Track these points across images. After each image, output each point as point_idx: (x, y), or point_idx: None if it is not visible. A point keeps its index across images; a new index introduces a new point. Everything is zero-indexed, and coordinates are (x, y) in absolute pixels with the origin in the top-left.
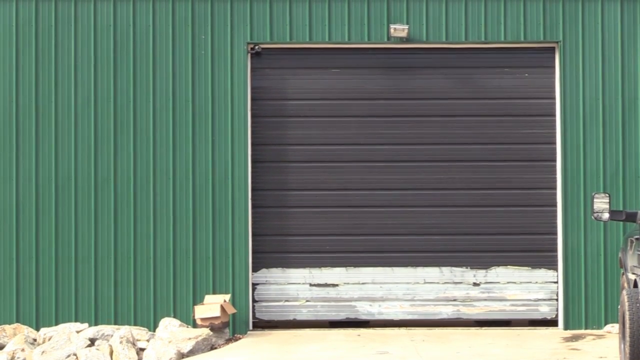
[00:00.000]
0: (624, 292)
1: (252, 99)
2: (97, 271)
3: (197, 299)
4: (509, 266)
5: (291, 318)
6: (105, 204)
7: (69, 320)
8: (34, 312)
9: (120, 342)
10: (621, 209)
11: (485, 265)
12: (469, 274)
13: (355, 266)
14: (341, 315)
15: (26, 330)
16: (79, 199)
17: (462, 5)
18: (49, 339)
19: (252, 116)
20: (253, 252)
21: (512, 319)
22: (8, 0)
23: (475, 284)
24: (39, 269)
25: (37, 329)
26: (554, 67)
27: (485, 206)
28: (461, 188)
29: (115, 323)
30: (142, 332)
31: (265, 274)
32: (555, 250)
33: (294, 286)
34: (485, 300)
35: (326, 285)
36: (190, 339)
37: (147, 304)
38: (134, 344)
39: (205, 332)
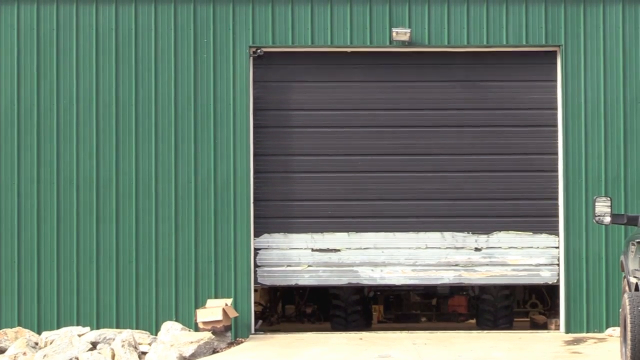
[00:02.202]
0: (626, 295)
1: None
2: (99, 275)
3: (199, 303)
4: (510, 231)
5: (293, 283)
6: (107, 208)
7: (71, 324)
8: (36, 315)
9: (122, 346)
10: (623, 212)
11: (487, 230)
12: (471, 239)
13: (357, 231)
14: (343, 281)
15: (28, 334)
16: (80, 203)
17: (464, 10)
18: (51, 343)
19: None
20: (255, 217)
21: (514, 283)
22: (10, 3)
23: (476, 249)
24: (41, 272)
25: (39, 333)
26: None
27: (487, 171)
28: (463, 154)
29: (117, 327)
30: (144, 335)
31: (267, 239)
32: (557, 216)
33: (296, 251)
34: (486, 265)
35: (328, 250)
36: (192, 342)
37: (149, 307)
38: (135, 348)
39: (207, 335)
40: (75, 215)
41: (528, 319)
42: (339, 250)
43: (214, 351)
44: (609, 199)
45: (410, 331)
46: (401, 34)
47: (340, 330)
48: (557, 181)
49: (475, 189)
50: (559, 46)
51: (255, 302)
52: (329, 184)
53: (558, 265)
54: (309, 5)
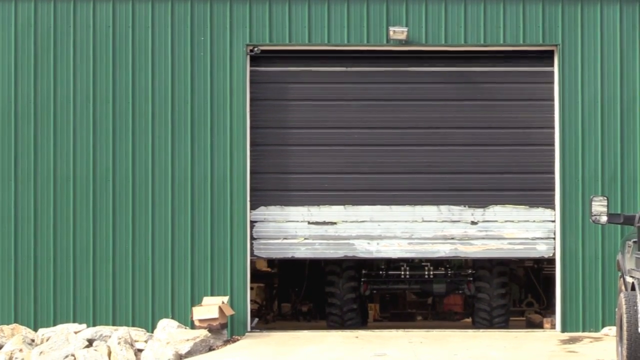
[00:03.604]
0: (622, 295)
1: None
2: (96, 272)
3: (196, 301)
4: (506, 205)
5: (289, 256)
6: (104, 205)
7: (67, 321)
8: (32, 312)
9: (119, 343)
10: (619, 212)
11: (483, 204)
12: (467, 213)
13: (353, 204)
14: (339, 254)
15: (24, 331)
16: (77, 200)
17: (461, 8)
18: (47, 340)
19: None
20: (251, 190)
21: (510, 257)
22: (7, 1)
23: (473, 223)
24: (38, 269)
25: (35, 330)
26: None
27: (484, 145)
28: (460, 127)
29: (114, 324)
30: (140, 333)
31: (263, 212)
32: (553, 189)
33: (292, 224)
34: (483, 238)
35: (325, 223)
36: (188, 340)
37: (145, 305)
38: (132, 345)
39: (203, 333)
40: (71, 212)
41: (524, 318)
42: (335, 223)
43: (210, 349)
44: (605, 198)
45: (406, 330)
46: (398, 32)
47: (336, 328)
48: (553, 155)
49: (471, 162)
50: (556, 45)
51: (251, 300)
52: (325, 156)
53: (554, 239)
54: (306, 3)
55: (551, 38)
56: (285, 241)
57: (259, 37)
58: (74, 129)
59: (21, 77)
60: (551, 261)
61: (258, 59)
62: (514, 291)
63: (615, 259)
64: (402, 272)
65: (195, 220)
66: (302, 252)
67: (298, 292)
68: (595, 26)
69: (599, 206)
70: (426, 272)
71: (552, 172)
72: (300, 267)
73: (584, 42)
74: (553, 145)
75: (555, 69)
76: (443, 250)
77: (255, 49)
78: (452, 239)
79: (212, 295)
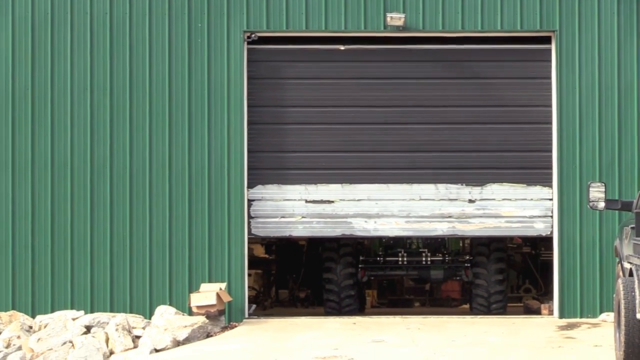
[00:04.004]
0: (620, 281)
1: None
2: (93, 259)
3: (193, 287)
4: (504, 183)
5: (287, 234)
6: (102, 192)
7: (65, 308)
8: (30, 299)
9: (116, 330)
10: (617, 198)
11: (481, 182)
12: (465, 191)
13: (350, 183)
14: (337, 232)
15: (22, 318)
16: (75, 187)
17: None
18: (45, 326)
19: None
20: (249, 169)
21: (507, 235)
22: None
23: (470, 201)
24: (35, 256)
25: (33, 316)
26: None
27: (481, 123)
28: (458, 105)
29: (111, 310)
30: (137, 319)
31: (260, 190)
32: (550, 168)
33: (289, 202)
34: (480, 217)
35: (322, 201)
36: (186, 326)
37: (142, 291)
38: (129, 332)
39: (201, 320)
40: (69, 200)
41: (521, 304)
42: (332, 201)
43: (208, 335)
44: (603, 184)
45: (403, 316)
46: (395, 19)
47: (334, 315)
48: (551, 133)
49: (469, 140)
50: (553, 31)
51: (249, 287)
52: (323, 135)
53: (552, 217)
54: None
55: (548, 24)
56: (282, 220)
57: (256, 23)
58: (71, 117)
59: (18, 65)
60: (549, 247)
61: (255, 43)
62: (512, 277)
63: (613, 245)
64: (400, 259)
65: (192, 204)
66: (299, 231)
67: (295, 279)
68: (592, 12)
69: (596, 192)
70: (424, 259)
71: (550, 151)
72: (298, 253)
73: (581, 29)
74: (550, 123)
75: (553, 55)
76: (440, 228)
77: (253, 35)
78: (450, 217)
79: (209, 281)
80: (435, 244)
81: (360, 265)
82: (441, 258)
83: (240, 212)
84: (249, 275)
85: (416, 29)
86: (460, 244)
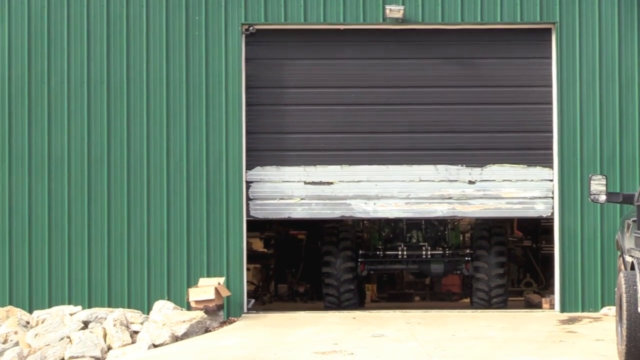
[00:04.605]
0: (621, 274)
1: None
2: (91, 254)
3: (192, 282)
4: (504, 164)
5: (286, 216)
6: (99, 185)
7: (62, 303)
8: (27, 294)
9: (114, 325)
10: (618, 191)
11: (481, 163)
12: (465, 172)
13: (350, 164)
14: (336, 214)
15: (19, 313)
16: (72, 181)
17: None
18: (42, 322)
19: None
20: (247, 150)
21: (508, 216)
22: None
23: (470, 182)
24: (32, 251)
25: (30, 312)
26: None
27: (481, 104)
28: (457, 86)
29: (109, 306)
30: (135, 314)
31: (259, 172)
32: (551, 148)
33: (288, 184)
34: (480, 198)
35: (321, 183)
36: (184, 321)
37: (141, 286)
38: (127, 327)
39: (199, 315)
40: (66, 193)
41: (522, 299)
42: (332, 183)
43: (206, 330)
44: (604, 177)
45: (403, 310)
46: (394, 11)
47: (333, 309)
48: (551, 113)
49: (469, 121)
50: (553, 23)
51: (247, 281)
52: (322, 116)
53: (552, 198)
54: None
55: (549, 16)
56: (281, 201)
57: (254, 16)
58: (68, 110)
59: (15, 57)
60: (550, 240)
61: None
62: (513, 271)
63: (615, 238)
64: (400, 253)
65: (190, 191)
66: (298, 213)
67: (295, 273)
68: (592, 3)
69: (597, 185)
70: (424, 252)
71: (550, 131)
72: (297, 247)
73: (582, 20)
74: (551, 103)
75: (553, 47)
76: (440, 210)
77: (251, 28)
78: (450, 198)
79: (208, 276)
80: (436, 237)
81: (359, 259)
82: (441, 252)
83: (238, 194)
84: (248, 269)
85: (415, 21)
86: (461, 238)
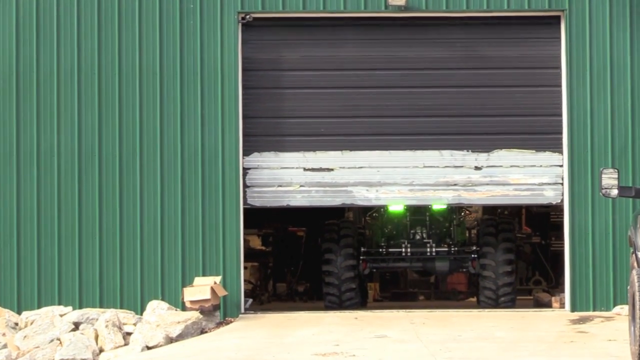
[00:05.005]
0: (634, 272)
1: None
2: (82, 252)
3: (187, 281)
4: (512, 149)
5: (284, 204)
6: (90, 180)
7: (52, 304)
8: (15, 294)
9: (106, 326)
10: (631, 184)
11: (487, 148)
12: (471, 158)
13: (351, 149)
14: (337, 201)
15: (7, 314)
16: (61, 175)
17: None
18: (31, 323)
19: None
20: (244, 135)
21: (516, 203)
22: None
23: (476, 168)
24: (21, 249)
25: (19, 313)
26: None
27: (488, 86)
28: (463, 68)
29: (101, 306)
30: (128, 315)
31: (257, 158)
32: (561, 132)
33: (287, 171)
34: (487, 184)
35: (321, 169)
36: (179, 322)
37: (134, 286)
38: (120, 328)
39: (195, 315)
40: (56, 188)
41: (531, 297)
42: (332, 169)
43: (202, 331)
44: (616, 170)
45: (407, 310)
46: None
47: (334, 309)
48: (560, 96)
49: (475, 104)
50: (562, 10)
51: (245, 280)
52: (321, 99)
53: (562, 184)
54: None
55: (557, 3)
56: (280, 189)
57: (250, 4)
58: (57, 102)
59: (2, 47)
60: (560, 237)
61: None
62: (521, 269)
63: (627, 234)
64: (403, 250)
65: (185, 194)
66: (297, 200)
67: (294, 272)
68: None
69: (609, 179)
70: (428, 250)
71: (560, 115)
72: (296, 244)
73: (592, 7)
74: (560, 86)
75: (562, 35)
76: (445, 197)
77: (247, 16)
78: (455, 185)
79: (204, 275)
80: (441, 233)
81: (361, 257)
82: (446, 249)
83: (235, 181)
84: (245, 268)
85: (419, 9)
86: (467, 234)
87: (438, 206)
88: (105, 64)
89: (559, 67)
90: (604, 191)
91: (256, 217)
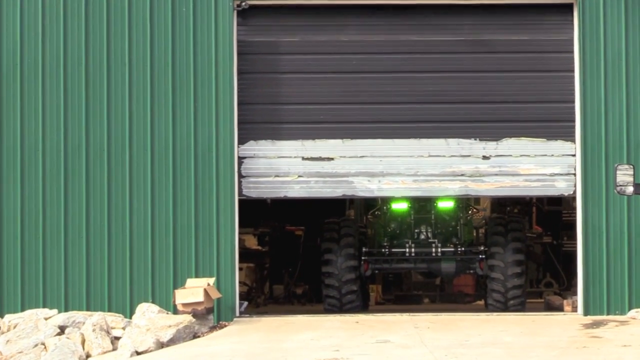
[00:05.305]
0: None
1: None
2: (68, 252)
3: (178, 283)
4: (522, 137)
5: (282, 195)
6: (77, 177)
7: (36, 306)
8: None
9: (93, 330)
10: None
11: (496, 136)
12: (478, 146)
13: (352, 138)
14: (337, 192)
15: None
16: (47, 172)
17: None
18: (15, 327)
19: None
20: (239, 123)
21: (526, 195)
22: None
23: (484, 158)
24: (3, 249)
25: (2, 316)
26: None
27: (497, 71)
28: (471, 52)
29: (88, 309)
30: (117, 319)
31: (253, 147)
32: (573, 120)
33: (285, 160)
34: (495, 175)
35: (320, 158)
36: (170, 326)
37: (122, 287)
38: (108, 332)
39: (187, 319)
40: (40, 185)
41: (542, 300)
42: (332, 158)
43: (195, 336)
44: (631, 166)
45: (411, 313)
46: None
47: (334, 312)
48: (573, 82)
49: (483, 90)
50: None
51: (240, 282)
52: (321, 85)
53: (575, 175)
54: None
55: None
56: (277, 179)
57: None
58: (42, 94)
59: None
60: (572, 236)
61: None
62: (531, 270)
63: None
64: (407, 250)
65: (177, 191)
66: (295, 191)
67: (292, 273)
68: None
69: (624, 175)
70: (433, 250)
71: (572, 101)
72: (294, 244)
73: None
74: (573, 71)
75: (575, 21)
76: (452, 188)
77: (243, 4)
78: (462, 175)
79: (196, 276)
80: (446, 233)
81: (363, 258)
82: (453, 249)
83: (230, 171)
84: (240, 269)
85: None
86: (474, 234)
87: (444, 204)
88: (93, 54)
89: (572, 51)
90: (618, 188)
91: (252, 216)
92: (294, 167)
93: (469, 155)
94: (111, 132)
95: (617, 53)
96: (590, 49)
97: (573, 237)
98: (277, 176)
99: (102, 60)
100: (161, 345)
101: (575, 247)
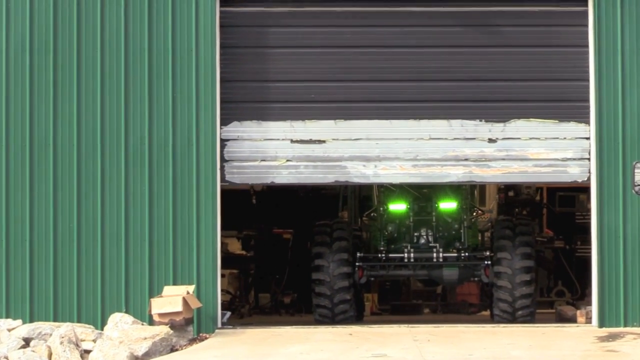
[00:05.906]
0: None
1: None
2: (33, 257)
3: (155, 291)
4: (531, 119)
5: (268, 181)
6: (43, 176)
7: None
8: None
9: (61, 343)
10: None
11: (503, 117)
12: (484, 129)
13: (346, 118)
14: (329, 178)
15: None
16: (10, 170)
17: None
18: None
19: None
20: (222, 102)
21: (536, 181)
22: None
23: (490, 140)
24: None
25: None
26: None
27: (504, 46)
28: (474, 25)
29: (55, 320)
30: (87, 330)
31: (237, 128)
32: (587, 100)
33: (272, 143)
34: (502, 159)
35: (311, 141)
36: (145, 338)
37: (93, 296)
38: (77, 345)
39: (164, 330)
40: (4, 184)
41: (553, 311)
42: (324, 141)
43: (172, 349)
44: None
45: (410, 325)
46: None
47: (326, 323)
48: (587, 58)
49: (489, 67)
50: None
51: (222, 290)
52: (312, 61)
53: (589, 159)
54: None
55: None
56: (263, 164)
57: None
58: (6, 83)
59: None
60: (586, 241)
61: None
62: (541, 278)
63: None
64: (406, 255)
65: (154, 190)
66: (283, 177)
67: (279, 280)
68: None
69: None
70: (435, 255)
71: (587, 79)
72: (282, 248)
73: None
74: (587, 46)
75: (590, 11)
76: (455, 174)
77: None
78: (466, 160)
79: (174, 284)
80: (449, 236)
81: (357, 264)
82: (456, 254)
83: (211, 154)
84: (223, 276)
85: None
86: (479, 237)
87: (446, 205)
88: (62, 42)
89: (586, 25)
90: (637, 188)
91: (236, 217)
92: (282, 150)
93: (474, 138)
94: (81, 121)
95: (637, 24)
96: (607, 22)
97: (587, 241)
98: (264, 160)
99: (72, 44)
100: (135, 359)
101: (590, 252)
